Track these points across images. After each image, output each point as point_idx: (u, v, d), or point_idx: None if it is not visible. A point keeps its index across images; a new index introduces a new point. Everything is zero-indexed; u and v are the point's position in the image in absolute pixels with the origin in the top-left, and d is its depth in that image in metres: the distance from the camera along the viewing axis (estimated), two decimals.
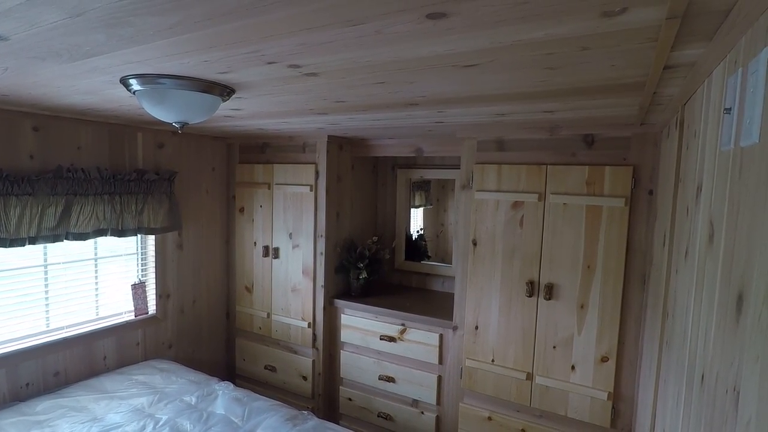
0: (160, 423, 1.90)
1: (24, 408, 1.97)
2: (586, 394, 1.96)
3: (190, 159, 2.84)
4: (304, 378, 2.80)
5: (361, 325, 2.63)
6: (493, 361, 2.16)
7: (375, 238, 2.85)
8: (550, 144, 2.01)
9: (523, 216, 2.05)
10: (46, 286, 2.24)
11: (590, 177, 1.90)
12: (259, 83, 1.29)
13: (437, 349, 2.38)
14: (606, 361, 1.92)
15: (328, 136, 2.62)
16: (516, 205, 2.06)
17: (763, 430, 0.48)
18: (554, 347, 2.01)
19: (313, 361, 2.77)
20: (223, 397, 2.12)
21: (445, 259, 2.95)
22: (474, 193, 2.16)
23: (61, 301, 2.30)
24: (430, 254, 3.05)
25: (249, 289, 3.01)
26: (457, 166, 2.72)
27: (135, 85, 1.26)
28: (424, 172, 2.97)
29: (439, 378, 2.40)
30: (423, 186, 3.07)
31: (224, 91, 1.34)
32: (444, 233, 3.00)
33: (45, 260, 2.23)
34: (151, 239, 2.67)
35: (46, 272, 2.24)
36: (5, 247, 1.93)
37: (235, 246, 3.07)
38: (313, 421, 1.95)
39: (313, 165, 2.66)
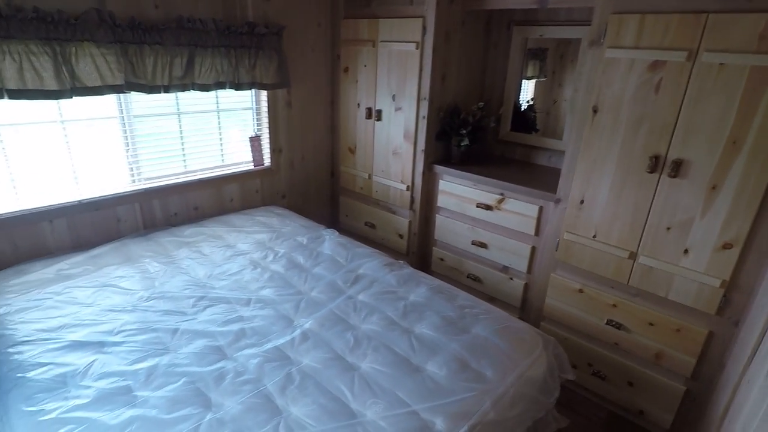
0: (279, 255, 2.21)
1: (176, 231, 2.40)
2: (695, 279, 1.84)
3: (296, 13, 2.79)
4: (401, 236, 3.00)
5: (459, 191, 2.65)
6: (594, 236, 2.09)
7: (481, 104, 2.69)
8: None
9: (661, 79, 1.75)
10: (181, 132, 2.53)
11: (767, 29, 1.51)
12: None
13: (535, 220, 2.34)
14: (729, 248, 1.74)
15: None
16: (655, 65, 1.76)
17: None
18: (668, 229, 1.86)
19: (410, 222, 2.92)
20: (330, 241, 2.37)
21: (555, 135, 2.73)
22: (604, 50, 1.87)
23: (193, 148, 2.61)
24: (538, 128, 2.83)
25: (352, 151, 3.13)
26: (584, 23, 2.34)
27: None
28: (544, 30, 2.60)
29: (533, 248, 2.41)
30: (538, 55, 2.73)
31: None
32: (556, 109, 2.72)
33: (177, 109, 2.49)
34: (263, 95, 2.81)
35: (179, 120, 2.51)
36: (146, 93, 2.16)
37: (340, 107, 3.12)
38: (409, 270, 2.13)
39: (421, 19, 2.47)
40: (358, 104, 2.97)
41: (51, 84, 1.89)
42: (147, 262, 2.08)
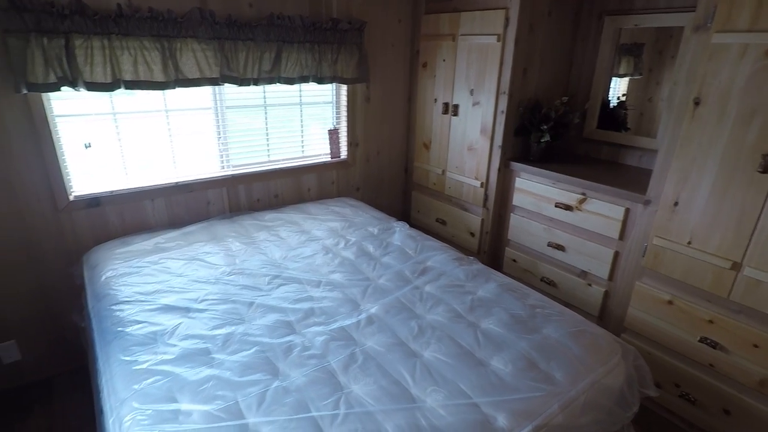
0: (350, 242, 2.27)
1: (257, 215, 2.57)
2: None
3: (377, 9, 2.84)
4: (472, 234, 2.94)
5: (536, 190, 2.53)
6: (689, 243, 1.89)
7: (564, 99, 2.55)
8: None
9: None
10: (266, 124, 2.70)
11: None
12: None
13: (620, 223, 2.17)
14: None
15: None
16: None
17: None
18: None
19: (482, 220, 2.85)
20: (400, 233, 2.39)
21: (650, 135, 2.50)
22: (711, 35, 1.69)
23: (277, 139, 2.77)
24: (629, 126, 2.62)
25: (426, 146, 3.13)
26: (688, 9, 2.13)
27: None
28: (640, 19, 2.41)
29: (616, 254, 2.23)
30: (633, 50, 2.52)
31: None
32: (651, 109, 2.49)
33: (264, 101, 2.65)
34: (343, 89, 2.90)
35: (266, 112, 2.67)
36: (238, 85, 2.33)
37: (416, 102, 3.14)
38: (479, 266, 2.08)
39: (504, 10, 2.40)
40: (435, 99, 2.96)
41: (159, 76, 2.11)
42: (230, 241, 2.24)
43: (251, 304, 1.73)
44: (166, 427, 1.16)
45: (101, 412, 1.36)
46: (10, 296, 2.12)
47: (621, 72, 2.60)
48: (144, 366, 1.38)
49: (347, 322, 1.64)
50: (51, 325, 2.25)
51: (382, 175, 3.31)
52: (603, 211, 2.24)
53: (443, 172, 3.04)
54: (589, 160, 2.70)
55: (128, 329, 1.56)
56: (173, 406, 1.24)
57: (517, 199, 2.67)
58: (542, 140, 2.54)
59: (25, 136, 1.97)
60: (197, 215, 2.53)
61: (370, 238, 2.34)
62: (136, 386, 1.31)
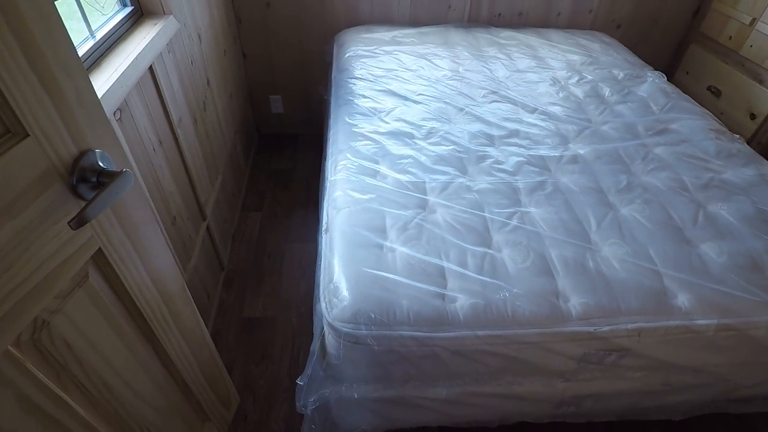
0: (585, 80, 1.99)
1: (493, 31, 2.41)
2: None
3: None
4: (753, 116, 2.23)
5: None
6: None
7: None
8: None
9: None
10: None
11: None
12: None
13: None
14: None
15: None
16: None
17: None
18: None
19: None
20: (651, 84, 1.96)
21: None
22: None
23: None
24: None
25: None
26: None
27: None
28: None
29: None
30: None
31: None
32: None
33: None
34: None
35: None
36: None
37: None
38: (741, 146, 1.61)
39: None
40: None
41: None
42: (460, 49, 2.20)
43: (461, 110, 1.75)
44: (365, 178, 1.38)
45: (325, 157, 1.69)
46: (282, 64, 2.60)
47: None
48: (361, 131, 1.61)
49: (550, 153, 1.54)
50: (304, 94, 2.73)
51: (659, 14, 2.61)
52: None
53: (753, 21, 2.22)
54: None
55: (356, 101, 1.78)
56: (375, 167, 1.44)
57: None
58: None
59: None
60: (436, 18, 2.50)
61: (611, 81, 1.99)
62: (352, 143, 1.55)
